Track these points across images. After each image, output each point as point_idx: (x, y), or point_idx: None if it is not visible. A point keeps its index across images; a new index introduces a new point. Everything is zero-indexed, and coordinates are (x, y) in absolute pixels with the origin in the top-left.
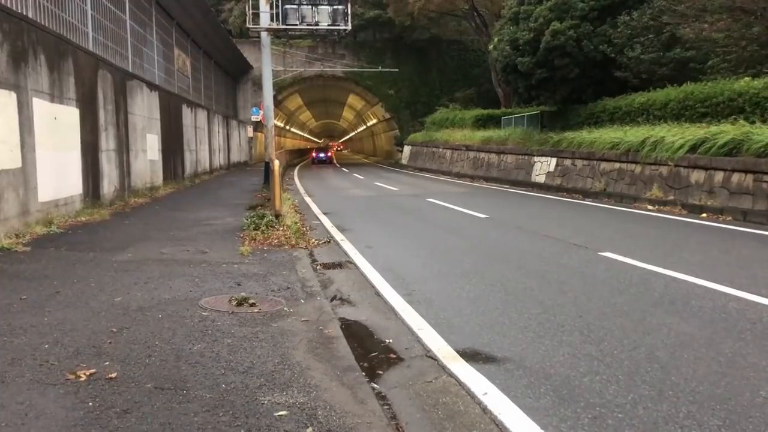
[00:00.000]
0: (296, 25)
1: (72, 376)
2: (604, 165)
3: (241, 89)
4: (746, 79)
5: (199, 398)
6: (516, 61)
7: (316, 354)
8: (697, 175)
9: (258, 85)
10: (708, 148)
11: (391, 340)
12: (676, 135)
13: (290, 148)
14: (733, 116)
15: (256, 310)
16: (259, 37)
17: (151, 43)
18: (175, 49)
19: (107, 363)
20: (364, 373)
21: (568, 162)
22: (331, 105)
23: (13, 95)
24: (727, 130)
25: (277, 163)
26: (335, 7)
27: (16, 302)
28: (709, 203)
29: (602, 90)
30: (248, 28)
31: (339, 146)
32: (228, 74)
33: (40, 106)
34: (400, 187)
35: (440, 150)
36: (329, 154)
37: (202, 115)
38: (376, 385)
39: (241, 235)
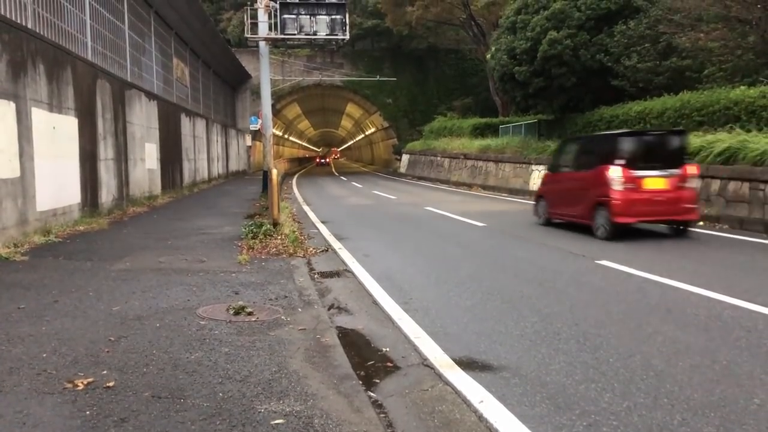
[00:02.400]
0: (294, 34)
1: (70, 385)
2: None
3: (239, 98)
4: (742, 87)
5: (197, 407)
6: (513, 70)
7: (313, 362)
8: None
9: (257, 94)
10: (704, 156)
11: (388, 349)
12: None
13: (289, 156)
14: (730, 125)
15: (253, 319)
16: (257, 46)
17: (150, 52)
18: (174, 59)
19: (105, 372)
20: (360, 382)
21: None
22: (330, 114)
23: (12, 105)
24: (723, 139)
25: (275, 171)
26: (333, 16)
27: (14, 311)
28: (705, 211)
29: (599, 99)
30: (247, 38)
31: (336, 155)
32: (227, 83)
33: (39, 116)
34: (398, 195)
35: (438, 158)
36: (328, 159)
37: (200, 124)
38: (372, 394)
39: (239, 244)
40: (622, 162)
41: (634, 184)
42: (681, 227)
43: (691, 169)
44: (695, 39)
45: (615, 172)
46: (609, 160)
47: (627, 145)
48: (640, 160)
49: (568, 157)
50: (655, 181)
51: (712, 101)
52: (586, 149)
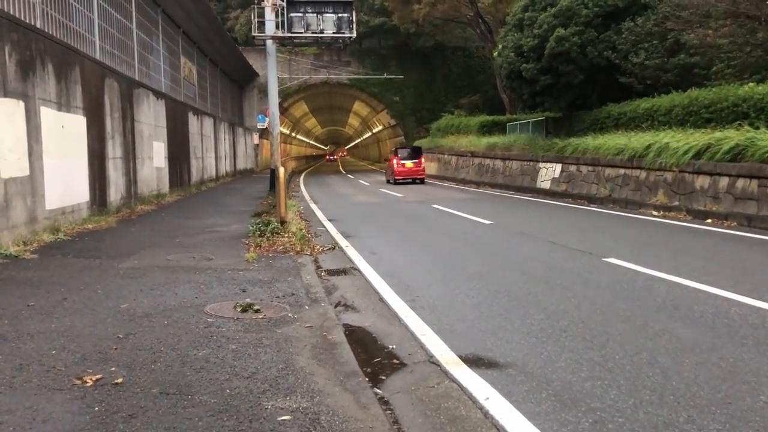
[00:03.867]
0: (301, 33)
1: (78, 382)
2: (609, 171)
3: (247, 96)
4: (751, 84)
5: (204, 403)
6: (520, 67)
7: (320, 359)
8: (701, 181)
9: (264, 92)
10: (713, 153)
11: (394, 346)
12: (681, 141)
13: (296, 155)
14: (738, 122)
15: (260, 316)
16: (264, 44)
17: (158, 51)
18: (182, 57)
19: (113, 368)
20: (367, 379)
21: (573, 168)
22: (337, 112)
23: (21, 104)
24: (731, 136)
25: (282, 170)
26: (340, 15)
27: (23, 309)
28: (714, 209)
29: (607, 96)
30: (254, 36)
31: (343, 153)
32: (234, 82)
33: (48, 115)
34: (405, 193)
35: (445, 156)
36: (335, 157)
37: (208, 122)
38: (378, 390)
39: (247, 242)
40: (397, 156)
41: (401, 165)
42: (418, 181)
43: (422, 159)
44: (703, 36)
45: (395, 160)
46: (395, 156)
47: (400, 150)
48: (404, 155)
49: (390, 154)
50: (408, 164)
51: (720, 98)
52: (392, 151)
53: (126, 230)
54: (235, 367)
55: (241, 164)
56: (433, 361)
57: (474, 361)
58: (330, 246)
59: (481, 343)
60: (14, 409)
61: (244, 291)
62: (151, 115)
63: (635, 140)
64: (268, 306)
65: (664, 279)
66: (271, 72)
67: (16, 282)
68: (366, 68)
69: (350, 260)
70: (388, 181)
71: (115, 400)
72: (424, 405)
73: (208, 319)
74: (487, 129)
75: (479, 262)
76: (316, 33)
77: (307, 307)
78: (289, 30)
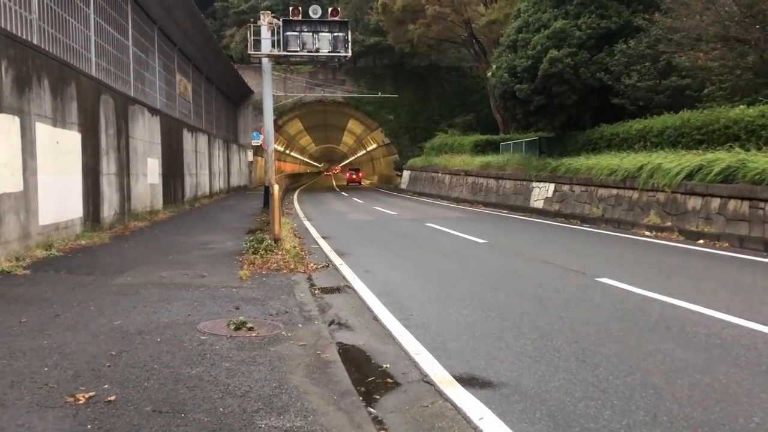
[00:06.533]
0: (297, 51)
1: (71, 399)
2: (602, 191)
3: (241, 114)
4: (741, 106)
5: (197, 421)
6: (514, 87)
7: (314, 378)
8: (693, 202)
9: (259, 109)
10: (704, 175)
11: (388, 365)
12: (673, 162)
13: (290, 172)
14: (729, 143)
15: (254, 335)
16: (260, 62)
17: (153, 68)
18: (177, 74)
19: (106, 386)
20: (361, 398)
21: (566, 188)
22: (331, 130)
23: (17, 120)
24: (723, 158)
25: (276, 187)
26: (336, 34)
27: (15, 325)
28: (706, 229)
29: (600, 116)
30: (250, 54)
31: (336, 170)
32: (229, 99)
33: (43, 131)
34: (399, 211)
35: (439, 175)
36: (330, 173)
37: (202, 139)
38: (372, 410)
39: (240, 259)
40: (349, 171)
41: (350, 176)
42: (359, 184)
43: (360, 173)
44: (695, 58)
45: (347, 173)
46: (348, 171)
47: (348, 169)
48: (350, 170)
49: (346, 170)
50: (353, 174)
51: (711, 120)
52: (347, 169)
53: (119, 247)
54: (228, 386)
55: (235, 181)
56: (427, 381)
57: (468, 381)
58: (324, 264)
59: (475, 363)
60: (6, 427)
61: (237, 308)
62: (146, 132)
63: (628, 161)
64: (262, 324)
65: (657, 299)
66: (267, 90)
67: (8, 298)
68: (361, 87)
69: (344, 278)
70: (347, 185)
71: (108, 418)
72: (418, 424)
73: (201, 337)
74: (480, 148)
75: (473, 281)
76: (311, 52)
77: (300, 325)
78: (285, 48)
